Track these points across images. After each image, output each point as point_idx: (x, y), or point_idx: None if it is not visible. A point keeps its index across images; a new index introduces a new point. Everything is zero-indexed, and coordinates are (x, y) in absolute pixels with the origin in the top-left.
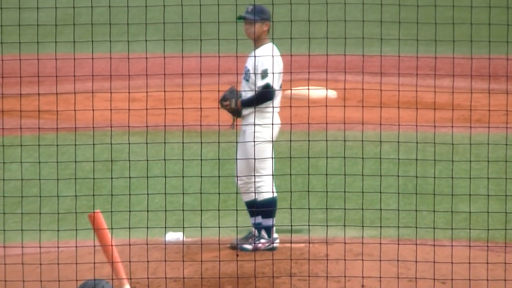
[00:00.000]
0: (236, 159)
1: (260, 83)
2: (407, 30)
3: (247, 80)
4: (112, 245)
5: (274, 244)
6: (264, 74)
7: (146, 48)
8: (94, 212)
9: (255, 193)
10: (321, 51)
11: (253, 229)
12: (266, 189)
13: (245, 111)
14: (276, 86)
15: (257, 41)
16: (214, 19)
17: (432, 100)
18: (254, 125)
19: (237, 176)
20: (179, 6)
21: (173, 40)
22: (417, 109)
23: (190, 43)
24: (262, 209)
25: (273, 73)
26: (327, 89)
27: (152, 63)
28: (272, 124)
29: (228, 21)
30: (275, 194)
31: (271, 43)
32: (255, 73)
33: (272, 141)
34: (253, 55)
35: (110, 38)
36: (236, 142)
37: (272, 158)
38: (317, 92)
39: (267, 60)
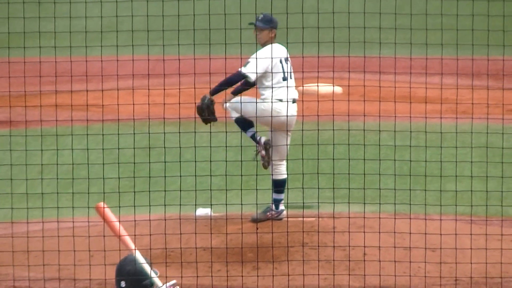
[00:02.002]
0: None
1: (241, 68)
2: (402, 35)
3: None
4: (119, 221)
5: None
6: (246, 62)
7: (179, 51)
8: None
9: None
10: (329, 53)
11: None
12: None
13: (231, 103)
14: (252, 75)
15: (264, 46)
16: (236, 26)
17: (423, 95)
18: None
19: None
20: (207, 15)
21: (201, 44)
22: (411, 103)
23: (216, 47)
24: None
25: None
26: (333, 85)
27: (183, 64)
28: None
29: (249, 28)
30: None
31: (271, 44)
32: (257, 73)
33: (286, 130)
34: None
35: (148, 43)
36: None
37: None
38: (325, 88)
39: (255, 54)
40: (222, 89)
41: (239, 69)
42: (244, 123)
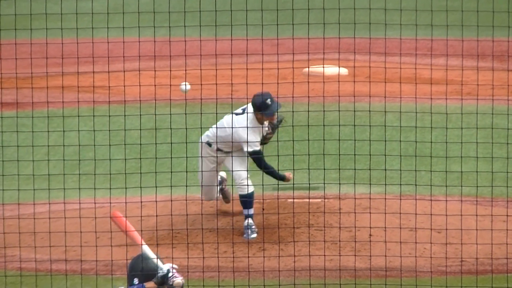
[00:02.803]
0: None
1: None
2: (407, 16)
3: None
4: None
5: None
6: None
7: (185, 32)
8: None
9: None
10: (334, 35)
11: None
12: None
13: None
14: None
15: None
16: (242, 7)
17: (429, 76)
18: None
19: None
20: None
21: (207, 26)
22: (416, 84)
23: (222, 28)
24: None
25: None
26: (339, 67)
27: (190, 46)
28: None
29: (255, 9)
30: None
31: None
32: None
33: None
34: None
35: (154, 24)
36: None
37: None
38: (331, 70)
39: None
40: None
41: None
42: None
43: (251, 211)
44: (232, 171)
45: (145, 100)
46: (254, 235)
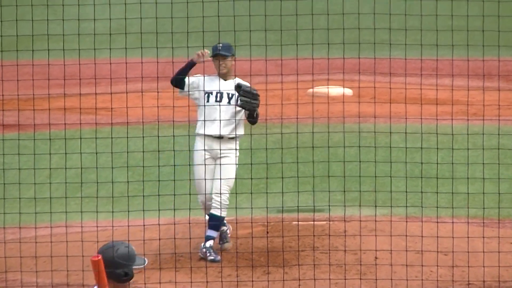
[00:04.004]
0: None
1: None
2: (412, 36)
3: (230, 103)
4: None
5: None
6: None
7: (188, 53)
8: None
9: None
10: (339, 55)
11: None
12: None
13: (232, 134)
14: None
15: (228, 74)
16: (246, 28)
17: (434, 97)
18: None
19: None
20: (216, 17)
21: (211, 46)
22: (422, 104)
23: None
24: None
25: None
26: (344, 87)
27: (194, 67)
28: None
29: (258, 29)
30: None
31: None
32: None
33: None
34: (232, 82)
35: (157, 45)
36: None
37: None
38: (335, 90)
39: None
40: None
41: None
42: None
43: (216, 234)
44: (220, 180)
45: (148, 122)
46: (215, 258)
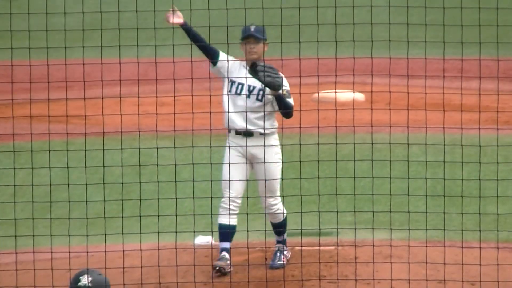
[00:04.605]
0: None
1: (291, 101)
2: (433, 32)
3: (259, 100)
4: None
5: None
6: (288, 94)
7: (174, 52)
8: None
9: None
10: (349, 54)
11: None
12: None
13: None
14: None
15: (258, 60)
16: (241, 22)
17: (459, 102)
18: (264, 146)
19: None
20: (206, 10)
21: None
22: (445, 111)
23: (218, 47)
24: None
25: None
26: (354, 91)
27: (180, 67)
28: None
29: (256, 24)
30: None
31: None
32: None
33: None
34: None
35: (138, 43)
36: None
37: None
38: (345, 95)
39: (284, 80)
40: (285, 107)
41: (293, 102)
42: None
43: (284, 236)
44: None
45: (128, 132)
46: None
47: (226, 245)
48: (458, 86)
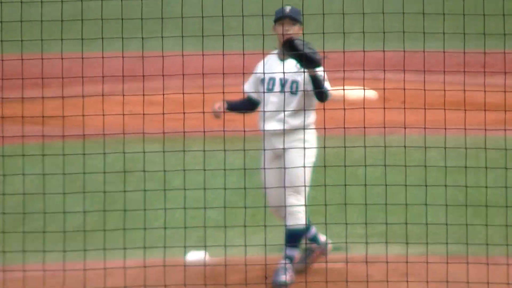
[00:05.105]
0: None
1: (328, 86)
2: (453, 22)
3: (293, 93)
4: None
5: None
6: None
7: (163, 45)
8: None
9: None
10: (359, 47)
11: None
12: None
13: (292, 122)
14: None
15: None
16: (238, 12)
17: (482, 100)
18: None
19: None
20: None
21: (193, 37)
22: (466, 111)
23: (213, 40)
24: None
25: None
26: (364, 89)
27: (170, 63)
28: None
29: (255, 14)
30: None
31: None
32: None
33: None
34: (288, 63)
35: (123, 35)
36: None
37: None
38: (354, 93)
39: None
40: (321, 84)
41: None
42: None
43: (295, 252)
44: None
45: (112, 134)
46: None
47: (291, 252)
48: (481, 82)
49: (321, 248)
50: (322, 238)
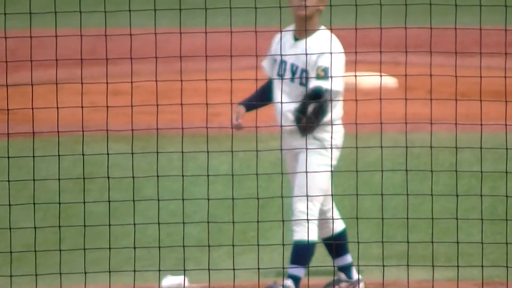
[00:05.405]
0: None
1: (316, 83)
2: None
3: (304, 84)
4: None
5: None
6: (325, 73)
7: (130, 21)
8: None
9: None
10: (374, 23)
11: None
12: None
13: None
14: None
15: (309, 23)
16: None
17: None
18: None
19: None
20: None
21: (169, 10)
22: (507, 102)
23: (194, 14)
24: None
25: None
26: (381, 75)
27: (141, 42)
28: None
29: None
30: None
31: (328, 32)
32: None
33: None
34: (303, 44)
35: (81, 8)
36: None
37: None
38: (370, 80)
39: (327, 55)
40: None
41: (324, 87)
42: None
43: (300, 272)
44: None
45: (69, 132)
46: None
47: (295, 271)
48: None
49: (349, 285)
50: (355, 275)
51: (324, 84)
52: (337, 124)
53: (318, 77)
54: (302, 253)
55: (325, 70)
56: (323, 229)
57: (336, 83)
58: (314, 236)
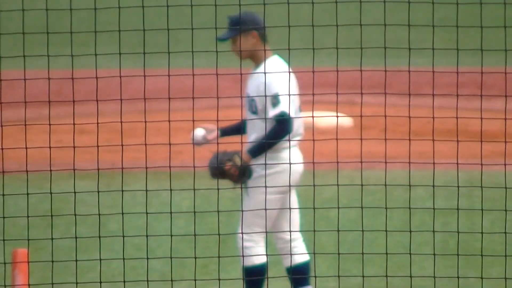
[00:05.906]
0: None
1: (272, 112)
2: (445, 34)
3: (254, 112)
4: None
5: None
6: (275, 100)
7: (96, 63)
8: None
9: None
10: (331, 64)
11: None
12: (255, 251)
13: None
14: (292, 112)
15: (254, 58)
16: (187, 22)
17: (479, 128)
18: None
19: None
20: (140, 7)
21: (133, 54)
22: (459, 141)
23: (157, 56)
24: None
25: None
26: (338, 115)
27: (106, 83)
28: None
29: (207, 26)
30: (263, 260)
31: (275, 56)
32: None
33: (290, 187)
34: (255, 77)
35: (48, 51)
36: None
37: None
38: (326, 120)
39: (275, 80)
40: (265, 150)
41: (279, 111)
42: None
43: None
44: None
45: (36, 171)
46: None
47: None
48: (478, 107)
49: None
50: None
51: (278, 110)
52: (286, 148)
53: (273, 106)
54: (249, 276)
55: (276, 96)
56: (286, 258)
57: (285, 105)
58: (254, 263)
